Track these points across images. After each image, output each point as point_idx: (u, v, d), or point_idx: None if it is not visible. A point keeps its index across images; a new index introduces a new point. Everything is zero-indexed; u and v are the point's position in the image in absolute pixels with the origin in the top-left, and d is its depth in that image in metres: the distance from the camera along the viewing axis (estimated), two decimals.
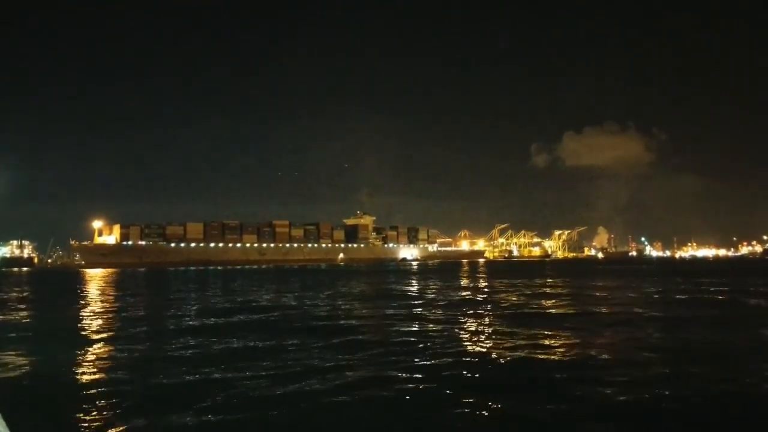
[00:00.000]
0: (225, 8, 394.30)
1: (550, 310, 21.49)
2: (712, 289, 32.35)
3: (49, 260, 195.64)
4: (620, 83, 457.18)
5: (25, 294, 37.66)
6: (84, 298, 32.83)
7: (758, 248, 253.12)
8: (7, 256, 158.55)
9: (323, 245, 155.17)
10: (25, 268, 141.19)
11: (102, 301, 30.07)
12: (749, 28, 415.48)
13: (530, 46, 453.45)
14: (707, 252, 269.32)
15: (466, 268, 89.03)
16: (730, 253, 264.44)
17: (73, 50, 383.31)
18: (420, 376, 10.00)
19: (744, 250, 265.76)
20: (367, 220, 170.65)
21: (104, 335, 16.38)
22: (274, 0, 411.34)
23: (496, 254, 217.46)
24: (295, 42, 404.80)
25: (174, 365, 11.49)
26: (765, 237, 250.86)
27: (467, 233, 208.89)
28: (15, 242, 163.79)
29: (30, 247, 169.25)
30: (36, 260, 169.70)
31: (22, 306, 27.44)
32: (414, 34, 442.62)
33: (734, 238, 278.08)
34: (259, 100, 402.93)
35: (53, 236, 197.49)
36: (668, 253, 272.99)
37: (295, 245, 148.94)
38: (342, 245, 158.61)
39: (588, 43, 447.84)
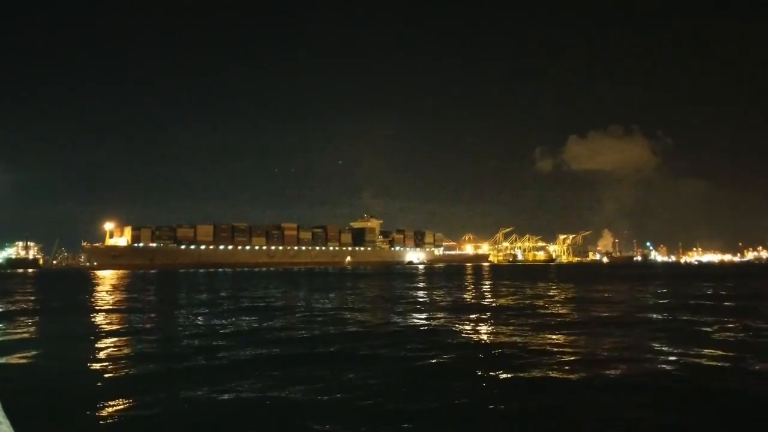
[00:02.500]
0: (230, 12, 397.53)
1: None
2: None
3: (54, 261, 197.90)
4: (625, 87, 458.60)
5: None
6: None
7: (764, 254, 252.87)
8: (13, 257, 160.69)
9: (331, 248, 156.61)
10: (30, 269, 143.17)
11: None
12: (756, 33, 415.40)
13: (534, 50, 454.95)
14: (713, 257, 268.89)
15: (472, 272, 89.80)
16: (736, 259, 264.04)
17: (82, 51, 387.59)
18: None
19: (750, 255, 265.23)
20: (374, 224, 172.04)
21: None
22: (279, 2, 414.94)
23: (501, 258, 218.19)
24: (298, 44, 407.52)
25: None
26: None
27: (471, 237, 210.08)
28: (21, 243, 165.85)
29: (35, 248, 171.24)
30: (41, 261, 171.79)
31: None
32: (419, 37, 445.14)
33: (740, 244, 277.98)
34: (268, 104, 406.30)
35: (58, 238, 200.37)
36: (673, 258, 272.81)
37: (303, 248, 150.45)
38: (349, 248, 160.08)
39: (593, 47, 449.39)
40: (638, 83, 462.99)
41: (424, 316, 20.95)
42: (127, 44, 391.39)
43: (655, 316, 20.59)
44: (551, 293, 33.73)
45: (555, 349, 13.01)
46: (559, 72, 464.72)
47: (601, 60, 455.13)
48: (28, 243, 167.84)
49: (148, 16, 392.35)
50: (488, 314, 21.19)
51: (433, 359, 12.05)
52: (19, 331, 17.89)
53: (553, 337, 15.13)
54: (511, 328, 17.16)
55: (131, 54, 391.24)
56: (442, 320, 19.46)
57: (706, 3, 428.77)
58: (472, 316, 20.18)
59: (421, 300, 29.18)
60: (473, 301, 28.70)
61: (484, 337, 15.59)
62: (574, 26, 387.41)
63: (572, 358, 12.06)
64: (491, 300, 28.81)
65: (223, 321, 20.03)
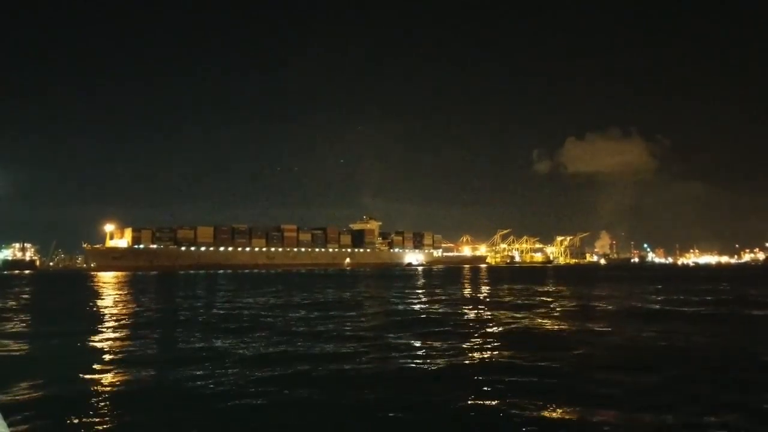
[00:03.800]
0: (230, 12, 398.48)
1: None
2: None
3: (51, 263, 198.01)
4: (623, 89, 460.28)
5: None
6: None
7: (761, 255, 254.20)
8: (9, 258, 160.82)
9: (330, 249, 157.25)
10: (27, 271, 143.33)
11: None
12: (754, 35, 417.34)
13: (533, 51, 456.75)
14: (710, 259, 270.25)
15: (469, 275, 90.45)
16: (733, 261, 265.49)
17: (81, 52, 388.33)
18: None
19: (746, 257, 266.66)
20: (373, 225, 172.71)
21: None
22: (279, 2, 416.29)
23: (498, 260, 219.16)
24: (297, 44, 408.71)
25: None
26: (767, 244, 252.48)
27: (469, 238, 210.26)
28: (17, 245, 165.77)
29: (32, 249, 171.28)
30: (38, 263, 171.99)
31: None
32: (418, 38, 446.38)
33: (737, 245, 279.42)
34: (267, 105, 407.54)
35: (55, 239, 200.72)
36: (670, 260, 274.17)
37: (303, 249, 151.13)
38: (348, 250, 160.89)
39: (591, 48, 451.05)
40: (636, 85, 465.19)
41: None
42: (127, 45, 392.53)
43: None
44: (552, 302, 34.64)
45: None
46: (556, 74, 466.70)
47: (599, 62, 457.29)
48: (25, 244, 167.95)
49: (148, 16, 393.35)
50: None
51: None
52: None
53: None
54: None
55: (131, 54, 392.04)
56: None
57: (704, 4, 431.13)
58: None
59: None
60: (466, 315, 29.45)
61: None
62: (571, 28, 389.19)
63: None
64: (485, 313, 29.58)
65: (223, 339, 19.87)
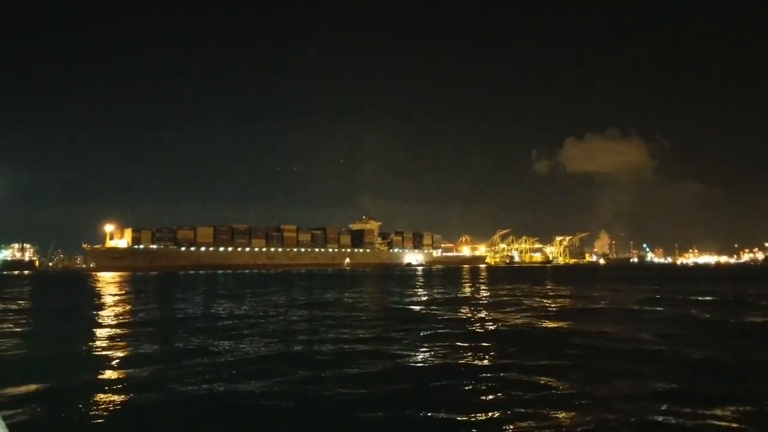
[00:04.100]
0: (230, 12, 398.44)
1: None
2: None
3: (50, 263, 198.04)
4: (623, 89, 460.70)
5: None
6: None
7: (760, 255, 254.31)
8: (9, 259, 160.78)
9: (330, 249, 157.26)
10: (26, 271, 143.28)
11: None
12: (754, 35, 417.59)
13: (532, 52, 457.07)
14: (709, 259, 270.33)
15: (469, 276, 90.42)
16: (732, 260, 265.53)
17: (81, 52, 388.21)
18: None
19: (745, 257, 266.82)
20: (373, 225, 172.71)
21: None
22: (279, 2, 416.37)
23: (498, 260, 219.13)
24: (298, 44, 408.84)
25: None
26: (766, 244, 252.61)
27: (468, 238, 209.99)
28: (16, 245, 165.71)
29: (31, 250, 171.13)
30: (37, 263, 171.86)
31: None
32: (418, 39, 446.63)
33: (736, 245, 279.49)
34: (267, 105, 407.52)
35: (54, 239, 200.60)
36: (670, 260, 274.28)
37: (303, 249, 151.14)
38: (348, 250, 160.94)
39: (590, 49, 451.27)
40: (636, 85, 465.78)
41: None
42: (127, 45, 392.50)
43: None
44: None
45: None
46: (556, 74, 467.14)
47: (599, 62, 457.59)
48: (24, 245, 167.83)
49: (148, 16, 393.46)
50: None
51: None
52: None
53: None
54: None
55: (131, 55, 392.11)
56: None
57: (704, 4, 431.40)
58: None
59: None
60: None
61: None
62: (571, 28, 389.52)
63: None
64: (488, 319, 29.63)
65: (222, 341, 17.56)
